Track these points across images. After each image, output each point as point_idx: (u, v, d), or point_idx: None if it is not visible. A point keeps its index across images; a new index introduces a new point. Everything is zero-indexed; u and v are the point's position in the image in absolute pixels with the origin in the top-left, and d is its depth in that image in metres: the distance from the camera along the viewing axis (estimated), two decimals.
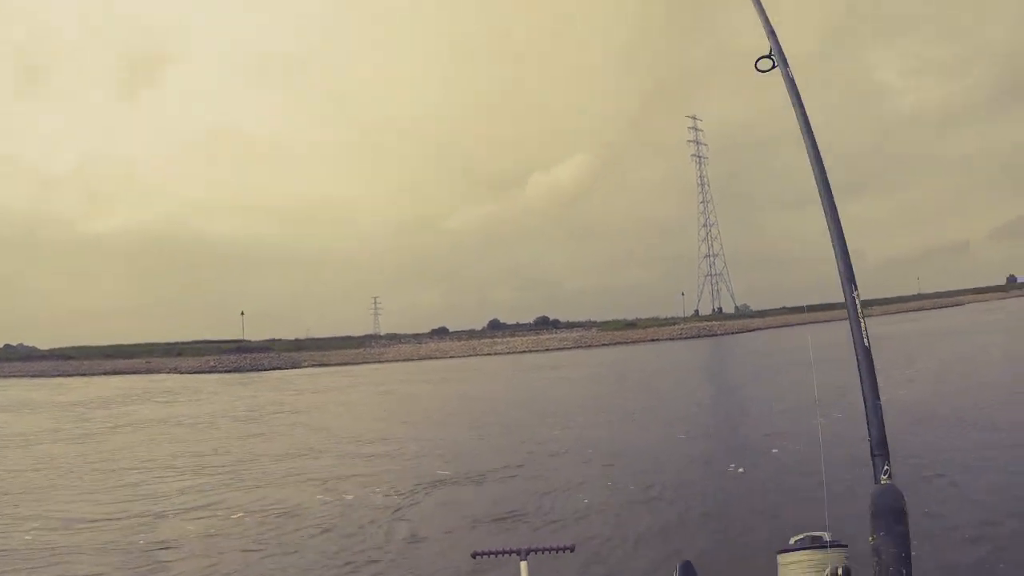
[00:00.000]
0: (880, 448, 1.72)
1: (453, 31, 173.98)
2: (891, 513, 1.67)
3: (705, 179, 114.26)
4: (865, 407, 1.76)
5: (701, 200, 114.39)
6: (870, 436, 1.73)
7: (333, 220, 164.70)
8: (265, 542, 8.38)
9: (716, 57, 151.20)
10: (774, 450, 11.68)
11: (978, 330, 39.93)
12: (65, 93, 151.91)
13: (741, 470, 10.55)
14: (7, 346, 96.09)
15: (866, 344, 1.77)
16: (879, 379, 1.92)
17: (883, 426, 1.72)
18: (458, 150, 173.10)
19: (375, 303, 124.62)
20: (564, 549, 2.73)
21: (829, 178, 2.15)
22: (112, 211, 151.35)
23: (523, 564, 2.58)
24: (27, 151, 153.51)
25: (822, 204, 2.11)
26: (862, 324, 1.80)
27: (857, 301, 1.88)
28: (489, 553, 2.71)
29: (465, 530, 8.42)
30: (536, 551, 2.64)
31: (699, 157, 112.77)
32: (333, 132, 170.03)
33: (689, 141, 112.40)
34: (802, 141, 2.26)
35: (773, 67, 2.30)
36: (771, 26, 2.41)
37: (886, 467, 1.67)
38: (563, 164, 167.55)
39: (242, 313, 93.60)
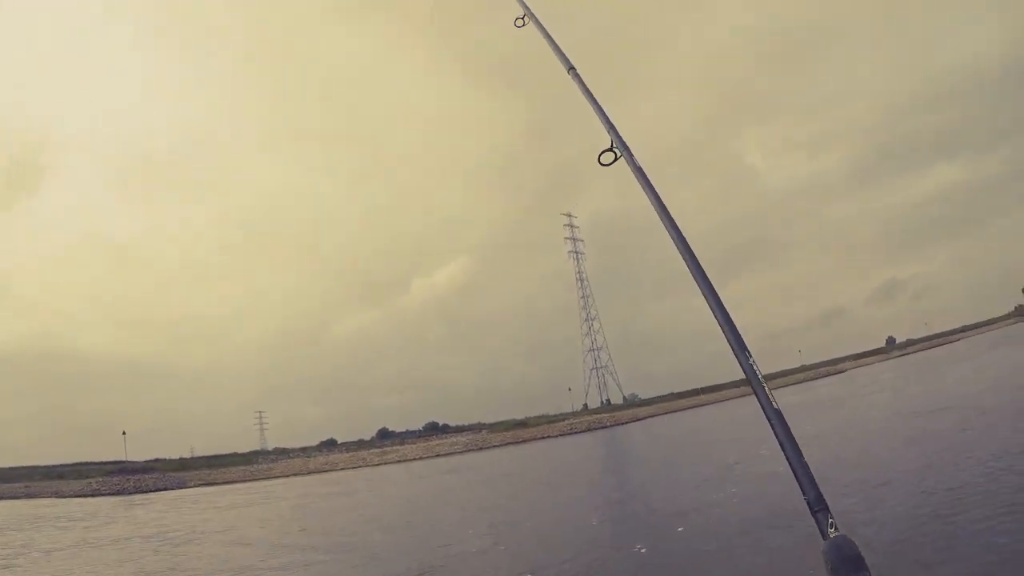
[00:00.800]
0: (819, 503, 1.68)
1: (328, 141, 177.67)
2: (850, 562, 1.64)
3: (583, 274, 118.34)
4: (791, 467, 1.72)
5: (581, 295, 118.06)
6: (804, 494, 1.69)
7: (212, 333, 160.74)
8: None
9: (586, 154, 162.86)
10: (679, 528, 12.69)
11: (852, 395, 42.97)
12: None
13: (643, 550, 11.60)
14: None
15: (775, 407, 1.75)
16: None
17: (815, 482, 1.68)
18: (338, 259, 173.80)
19: (260, 417, 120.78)
20: None
21: (701, 253, 2.20)
22: None
23: None
24: None
25: (694, 278, 2.11)
26: (766, 389, 1.79)
27: (756, 367, 1.86)
28: None
29: None
30: None
31: (576, 253, 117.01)
32: (210, 243, 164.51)
33: (566, 238, 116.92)
34: (664, 234, 2.29)
35: (616, 159, 2.34)
36: (609, 120, 2.50)
37: (830, 519, 1.62)
38: (444, 268, 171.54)
39: (123, 433, 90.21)
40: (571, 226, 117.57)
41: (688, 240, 2.27)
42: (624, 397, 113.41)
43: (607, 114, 2.58)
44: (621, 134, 2.49)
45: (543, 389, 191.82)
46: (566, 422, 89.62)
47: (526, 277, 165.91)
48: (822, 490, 1.79)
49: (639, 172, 2.30)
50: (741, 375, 2.00)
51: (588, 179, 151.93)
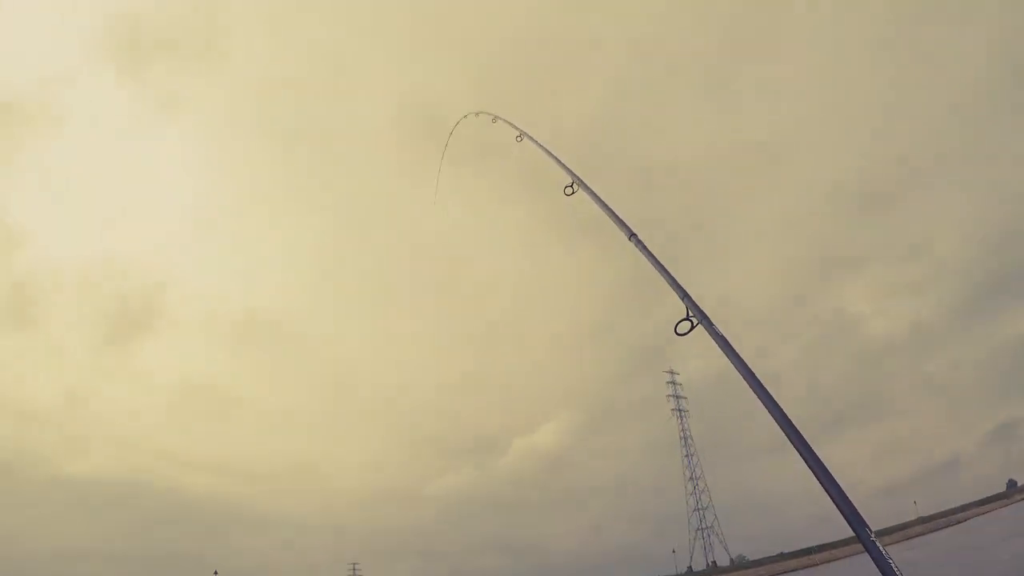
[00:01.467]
0: None
1: (419, 307, 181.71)
2: None
3: (687, 432, 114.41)
4: None
5: (685, 454, 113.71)
6: None
7: (309, 486, 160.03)
8: None
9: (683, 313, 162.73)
10: None
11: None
12: (56, 331, 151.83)
13: None
14: None
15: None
16: None
17: None
18: (437, 419, 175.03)
19: (354, 569, 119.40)
20: None
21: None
22: (88, 455, 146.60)
23: None
24: (7, 386, 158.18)
25: (789, 439, 2.04)
26: (881, 548, 1.63)
27: (877, 542, 1.70)
28: None
29: None
30: None
31: (680, 411, 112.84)
32: (311, 399, 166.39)
33: (668, 396, 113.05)
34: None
35: (693, 327, 2.23)
36: (682, 288, 2.40)
37: None
38: (544, 427, 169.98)
39: (215, 573, 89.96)
40: (674, 383, 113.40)
41: (779, 401, 2.27)
42: (731, 559, 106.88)
43: (678, 282, 2.42)
44: (696, 301, 2.35)
45: (646, 551, 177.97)
46: None
47: (627, 436, 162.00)
48: None
49: (720, 339, 2.15)
50: (850, 533, 2.00)
51: (688, 338, 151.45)
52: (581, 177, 3.01)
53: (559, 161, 3.21)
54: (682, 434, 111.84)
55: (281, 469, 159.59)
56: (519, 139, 4.01)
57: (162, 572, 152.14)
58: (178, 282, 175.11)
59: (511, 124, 4.07)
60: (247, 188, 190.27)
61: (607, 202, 2.73)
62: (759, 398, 2.18)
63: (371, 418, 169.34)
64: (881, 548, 1.74)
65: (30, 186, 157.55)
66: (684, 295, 2.39)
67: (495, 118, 4.60)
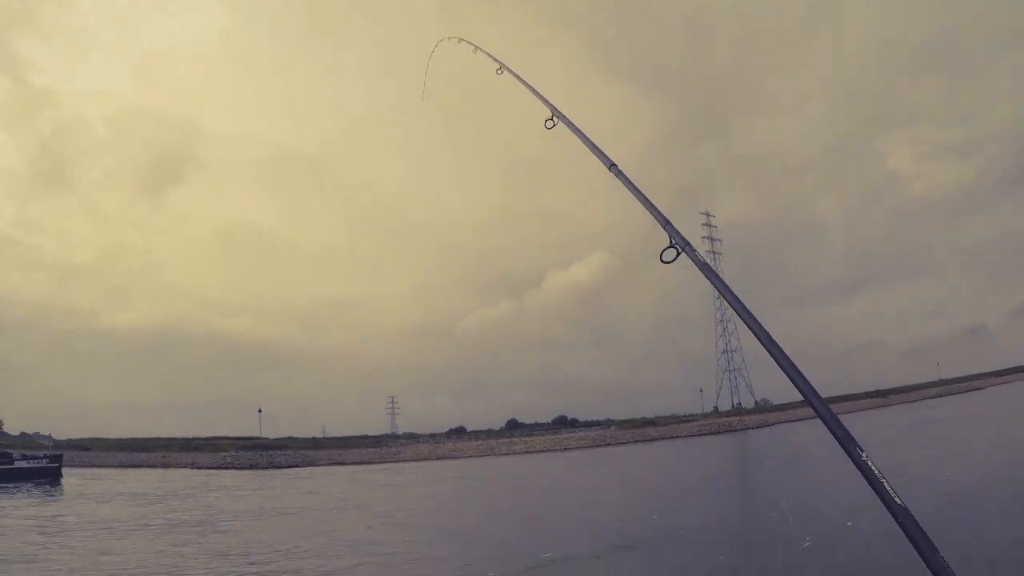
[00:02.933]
0: None
1: (469, 140, 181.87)
2: None
3: (720, 274, 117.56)
4: (927, 562, 1.43)
5: (717, 296, 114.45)
6: None
7: (348, 322, 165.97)
8: None
9: (726, 160, 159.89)
10: (848, 523, 12.38)
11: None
12: (89, 187, 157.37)
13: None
14: (23, 434, 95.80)
15: (899, 503, 1.46)
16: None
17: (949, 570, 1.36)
18: (474, 252, 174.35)
19: (392, 403, 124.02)
20: None
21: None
22: (129, 305, 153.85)
23: None
24: (48, 242, 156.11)
25: (779, 365, 1.94)
26: (887, 485, 1.45)
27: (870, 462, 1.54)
28: None
29: None
30: None
31: (714, 253, 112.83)
32: (348, 234, 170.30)
33: (703, 237, 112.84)
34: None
35: (679, 255, 2.24)
36: (664, 216, 2.38)
37: None
38: (580, 263, 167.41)
39: (259, 411, 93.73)
40: (709, 225, 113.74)
41: (766, 326, 2.03)
42: (756, 401, 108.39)
43: (660, 210, 2.45)
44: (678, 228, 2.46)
45: (674, 389, 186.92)
46: (695, 423, 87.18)
47: (661, 276, 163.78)
48: None
49: (704, 267, 2.24)
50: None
51: (727, 181, 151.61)
52: (561, 111, 3.12)
53: (538, 95, 3.19)
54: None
55: (320, 309, 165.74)
56: (499, 72, 3.97)
57: (209, 414, 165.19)
58: (211, 128, 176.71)
59: (491, 56, 4.08)
60: (283, 24, 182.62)
61: (587, 135, 2.84)
62: (747, 325, 1.99)
63: (408, 255, 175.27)
64: (872, 466, 1.51)
65: (55, 44, 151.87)
66: (666, 223, 2.41)
67: (476, 48, 4.51)
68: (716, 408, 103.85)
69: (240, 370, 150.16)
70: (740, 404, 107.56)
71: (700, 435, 75.82)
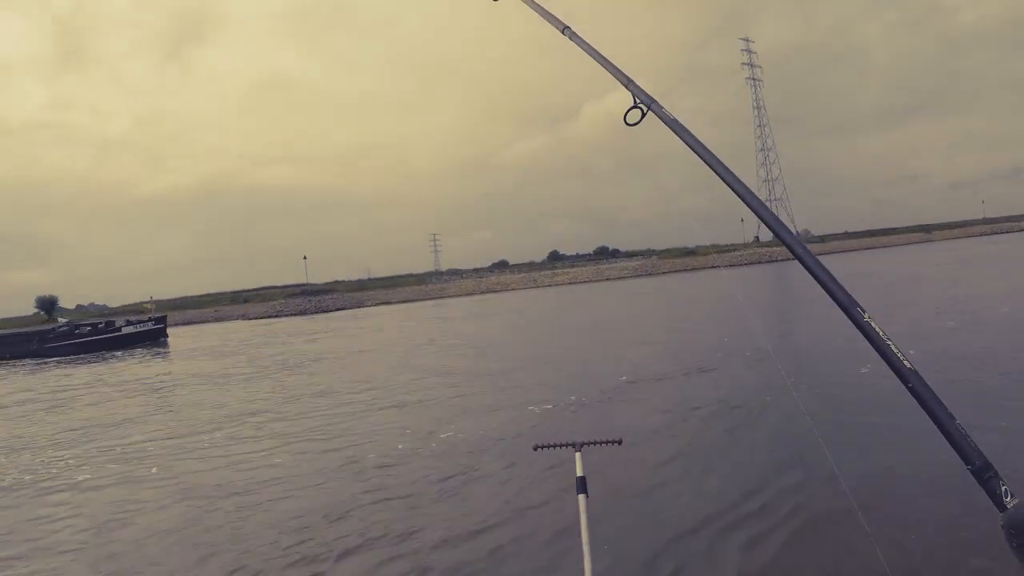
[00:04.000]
0: (986, 469, 1.25)
1: None
2: None
3: (761, 102, 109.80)
4: (943, 431, 1.30)
5: (758, 124, 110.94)
6: (967, 463, 1.25)
7: (386, 163, 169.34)
8: None
9: None
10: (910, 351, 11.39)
11: None
12: (114, 58, 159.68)
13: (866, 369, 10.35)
14: (79, 306, 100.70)
15: (909, 366, 1.37)
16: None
17: (976, 446, 1.24)
18: (508, 87, 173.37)
19: (434, 240, 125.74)
20: (613, 442, 2.95)
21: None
22: (168, 170, 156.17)
23: (577, 455, 2.78)
24: (81, 118, 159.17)
25: (767, 226, 1.82)
26: (893, 347, 1.36)
27: (875, 327, 1.39)
28: (548, 446, 2.94)
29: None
30: (588, 444, 2.87)
31: (754, 80, 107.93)
32: (380, 77, 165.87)
33: (743, 64, 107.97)
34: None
35: (644, 115, 2.06)
36: (625, 75, 2.20)
37: (1003, 486, 1.22)
38: (617, 92, 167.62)
39: (304, 258, 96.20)
40: (748, 51, 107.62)
41: (750, 187, 1.78)
42: (797, 232, 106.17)
43: (620, 69, 2.25)
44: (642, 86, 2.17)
45: (715, 219, 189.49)
46: (736, 253, 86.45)
47: (701, 103, 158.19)
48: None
49: (674, 123, 1.96)
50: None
51: (767, 6, 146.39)
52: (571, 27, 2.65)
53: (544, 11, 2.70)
54: (755, 103, 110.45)
55: (357, 153, 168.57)
56: None
57: (256, 266, 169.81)
58: None
59: None
60: None
61: (599, 51, 2.38)
62: (724, 180, 1.74)
63: (442, 93, 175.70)
64: (890, 342, 1.32)
65: None
66: (628, 82, 2.15)
67: None
68: (757, 238, 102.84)
69: (282, 219, 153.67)
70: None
71: (741, 264, 75.25)
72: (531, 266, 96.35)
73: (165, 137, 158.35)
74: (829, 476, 5.56)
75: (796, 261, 1.54)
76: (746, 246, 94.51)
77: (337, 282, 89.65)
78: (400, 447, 8.70)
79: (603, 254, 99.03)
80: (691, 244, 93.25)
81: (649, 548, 4.90)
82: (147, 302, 58.56)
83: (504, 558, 5.07)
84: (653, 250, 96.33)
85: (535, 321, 30.57)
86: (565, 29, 2.67)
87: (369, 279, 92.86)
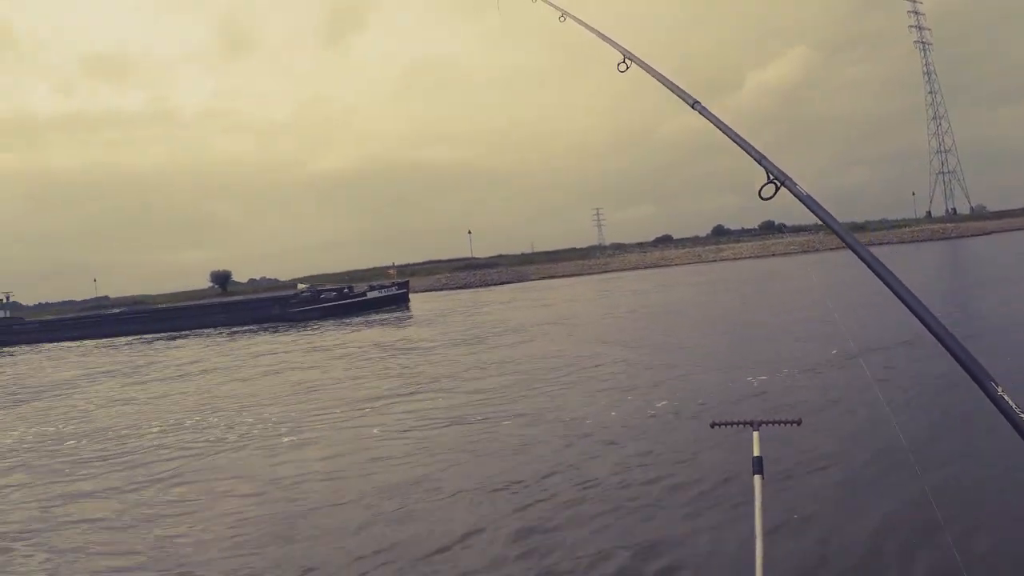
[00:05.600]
0: None
1: None
2: None
3: (931, 67, 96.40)
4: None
5: (928, 91, 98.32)
6: None
7: (546, 138, 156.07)
8: None
9: None
10: None
11: None
12: (276, 47, 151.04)
13: None
14: (251, 280, 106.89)
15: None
16: None
17: None
18: (669, 57, 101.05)
19: (598, 214, 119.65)
20: (792, 422, 2.82)
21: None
22: (329, 152, 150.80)
23: (755, 434, 2.72)
24: (246, 106, 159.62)
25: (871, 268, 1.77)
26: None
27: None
28: (726, 423, 2.92)
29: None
30: (767, 423, 2.79)
31: (923, 43, 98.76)
32: (536, 55, 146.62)
33: (910, 27, 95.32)
34: None
35: (778, 190, 2.05)
36: (759, 152, 2.19)
37: None
38: (779, 60, 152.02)
39: (469, 232, 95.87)
40: (915, 12, 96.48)
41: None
42: (971, 207, 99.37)
43: (755, 147, 2.23)
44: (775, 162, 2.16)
45: (884, 192, 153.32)
46: (907, 229, 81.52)
47: (867, 70, 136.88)
48: None
49: (808, 199, 1.96)
50: None
51: None
52: (633, 52, 2.91)
53: (607, 38, 2.98)
54: (925, 69, 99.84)
55: (516, 129, 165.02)
56: (562, 19, 3.55)
57: (421, 241, 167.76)
58: None
59: (551, 3, 3.62)
60: None
61: (664, 74, 2.69)
62: (857, 254, 1.80)
63: (597, 66, 23.60)
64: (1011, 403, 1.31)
65: None
66: (761, 158, 2.14)
67: None
68: (929, 213, 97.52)
69: (444, 196, 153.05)
70: (955, 210, 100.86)
71: (912, 241, 70.66)
72: (695, 241, 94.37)
73: (326, 120, 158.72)
74: None
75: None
76: (917, 222, 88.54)
77: (501, 256, 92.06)
78: (614, 414, 9.27)
79: (768, 229, 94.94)
80: (859, 219, 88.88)
81: (826, 538, 4.77)
82: (389, 267, 64.51)
83: (675, 539, 5.02)
84: (820, 225, 63.38)
85: (721, 292, 30.94)
86: (695, 104, 2.66)
87: (533, 252, 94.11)
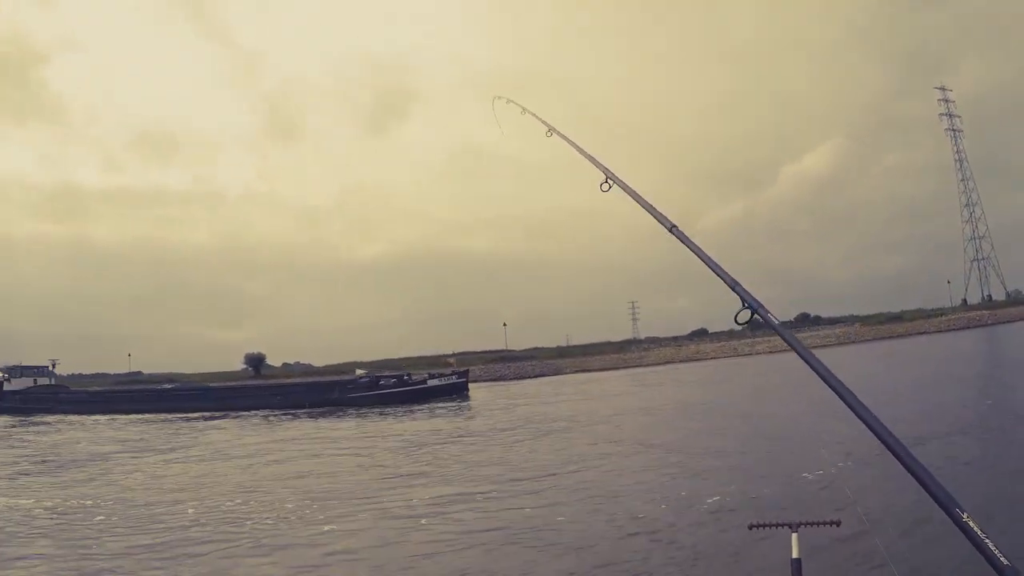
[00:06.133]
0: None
1: (676, 31, 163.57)
2: None
3: (963, 154, 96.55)
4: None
5: (960, 178, 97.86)
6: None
7: (582, 229, 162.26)
8: None
9: (962, 20, 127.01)
10: None
11: None
12: (320, 134, 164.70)
13: None
14: (285, 364, 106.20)
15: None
16: None
17: None
18: (701, 151, 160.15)
19: (633, 307, 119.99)
20: (831, 523, 2.81)
21: None
22: (372, 237, 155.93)
23: (794, 536, 2.67)
24: (288, 189, 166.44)
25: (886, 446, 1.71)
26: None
27: None
28: (763, 525, 2.87)
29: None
30: (806, 524, 2.74)
31: (953, 131, 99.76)
32: (563, 143, 79.15)
33: (941, 115, 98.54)
34: None
35: (752, 316, 2.16)
36: (733, 279, 2.30)
37: None
38: (812, 153, 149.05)
39: (504, 324, 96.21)
40: (946, 100, 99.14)
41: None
42: (1007, 293, 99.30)
43: (727, 271, 2.32)
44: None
45: (919, 281, 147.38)
46: (943, 318, 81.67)
47: (899, 160, 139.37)
48: None
49: (778, 327, 2.04)
50: None
51: (964, 47, 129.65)
52: (615, 172, 2.85)
53: (591, 157, 3.05)
54: (956, 155, 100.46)
55: (553, 219, 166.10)
56: (549, 134, 3.81)
57: (455, 330, 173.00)
58: (427, 57, 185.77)
59: (539, 118, 3.85)
60: None
61: (644, 197, 2.73)
62: (828, 385, 1.80)
63: (635, 157, 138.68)
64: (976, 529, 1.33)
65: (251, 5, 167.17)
66: (735, 284, 2.22)
67: (523, 110, 4.40)
68: (964, 301, 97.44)
69: (481, 284, 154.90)
70: (991, 296, 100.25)
71: (949, 330, 69.91)
72: (730, 334, 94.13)
73: (367, 205, 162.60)
74: None
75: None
76: (953, 309, 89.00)
77: (536, 349, 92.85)
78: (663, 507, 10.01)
79: (804, 321, 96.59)
80: (894, 308, 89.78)
81: None
82: (449, 356, 64.04)
83: None
84: (856, 316, 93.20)
85: (762, 387, 30.80)
86: (672, 228, 2.73)
87: (568, 346, 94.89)
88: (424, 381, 43.16)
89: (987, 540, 1.28)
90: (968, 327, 74.95)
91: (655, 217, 2.70)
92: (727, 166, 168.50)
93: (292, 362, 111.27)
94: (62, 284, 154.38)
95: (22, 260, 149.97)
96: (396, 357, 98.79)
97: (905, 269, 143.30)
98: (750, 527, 2.91)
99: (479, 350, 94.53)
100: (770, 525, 2.77)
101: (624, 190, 2.87)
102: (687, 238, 2.57)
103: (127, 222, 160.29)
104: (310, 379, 60.38)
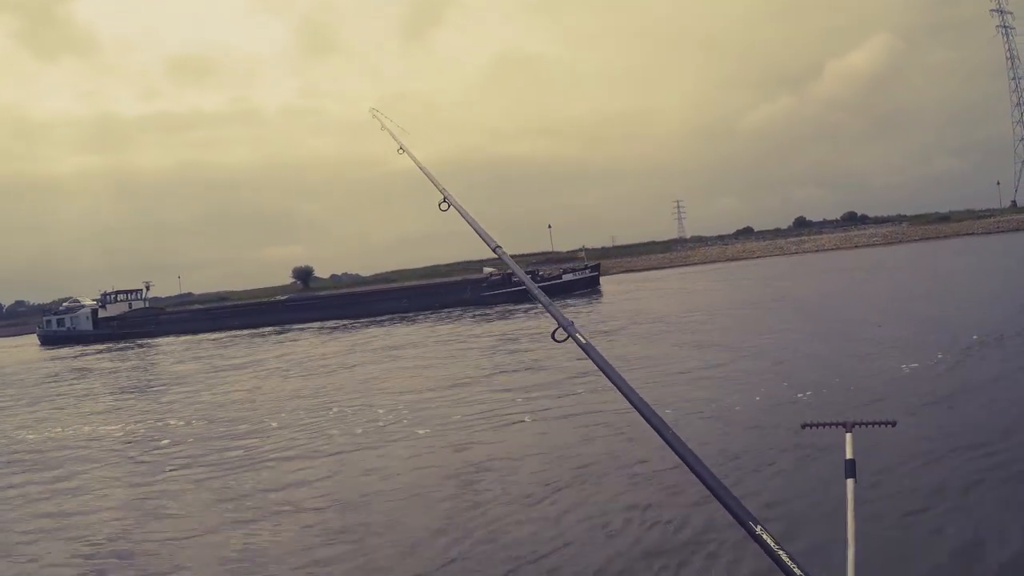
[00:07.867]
0: None
1: None
2: None
3: (1015, 52, 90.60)
4: None
5: (1012, 77, 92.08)
6: None
7: (627, 132, 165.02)
8: None
9: None
10: None
11: None
12: (357, 46, 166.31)
13: None
14: (333, 276, 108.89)
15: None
16: None
17: None
18: (747, 49, 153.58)
19: (678, 207, 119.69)
20: (887, 423, 2.70)
21: None
22: (414, 147, 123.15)
23: (848, 436, 2.58)
24: (329, 104, 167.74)
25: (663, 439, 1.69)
26: None
27: None
28: (817, 424, 2.81)
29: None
30: (860, 424, 2.64)
31: (1005, 28, 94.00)
32: (618, 47, 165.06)
33: (992, 11, 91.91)
34: None
35: (568, 336, 2.08)
36: (549, 299, 2.28)
37: None
38: (859, 49, 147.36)
39: (549, 226, 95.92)
40: None
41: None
42: None
43: (543, 297, 2.30)
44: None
45: (968, 182, 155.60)
46: (992, 219, 78.06)
47: (949, 58, 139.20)
48: None
49: (587, 347, 1.93)
50: None
51: None
52: (452, 194, 3.08)
53: (430, 177, 3.29)
54: (1008, 54, 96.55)
55: (598, 123, 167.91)
56: (400, 152, 3.88)
57: (502, 234, 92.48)
58: None
59: (392, 136, 3.99)
60: None
61: (475, 218, 2.91)
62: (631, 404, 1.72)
63: (678, 59, 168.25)
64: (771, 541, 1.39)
65: None
66: (549, 304, 2.25)
67: (382, 127, 4.32)
68: (1014, 203, 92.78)
69: (527, 190, 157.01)
70: None
71: (997, 232, 68.23)
72: (776, 233, 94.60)
73: (410, 117, 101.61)
74: None
75: None
76: (1002, 211, 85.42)
77: (582, 248, 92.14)
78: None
79: (851, 220, 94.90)
80: (942, 209, 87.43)
81: (920, 547, 4.57)
82: (579, 250, 63.68)
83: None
84: (904, 216, 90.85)
85: (857, 285, 29.16)
86: (496, 247, 2.90)
87: (613, 247, 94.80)
88: (559, 276, 43.80)
89: (781, 552, 1.31)
90: (1019, 229, 72.34)
91: (482, 237, 2.84)
92: (774, 65, 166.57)
93: (340, 273, 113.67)
94: (106, 214, 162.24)
95: (71, 195, 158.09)
96: (447, 263, 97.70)
97: (954, 170, 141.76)
98: (803, 426, 2.85)
99: (525, 252, 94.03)
100: (823, 424, 2.71)
101: (458, 211, 2.98)
102: (510, 259, 2.75)
103: (167, 148, 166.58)
104: (438, 280, 58.92)
